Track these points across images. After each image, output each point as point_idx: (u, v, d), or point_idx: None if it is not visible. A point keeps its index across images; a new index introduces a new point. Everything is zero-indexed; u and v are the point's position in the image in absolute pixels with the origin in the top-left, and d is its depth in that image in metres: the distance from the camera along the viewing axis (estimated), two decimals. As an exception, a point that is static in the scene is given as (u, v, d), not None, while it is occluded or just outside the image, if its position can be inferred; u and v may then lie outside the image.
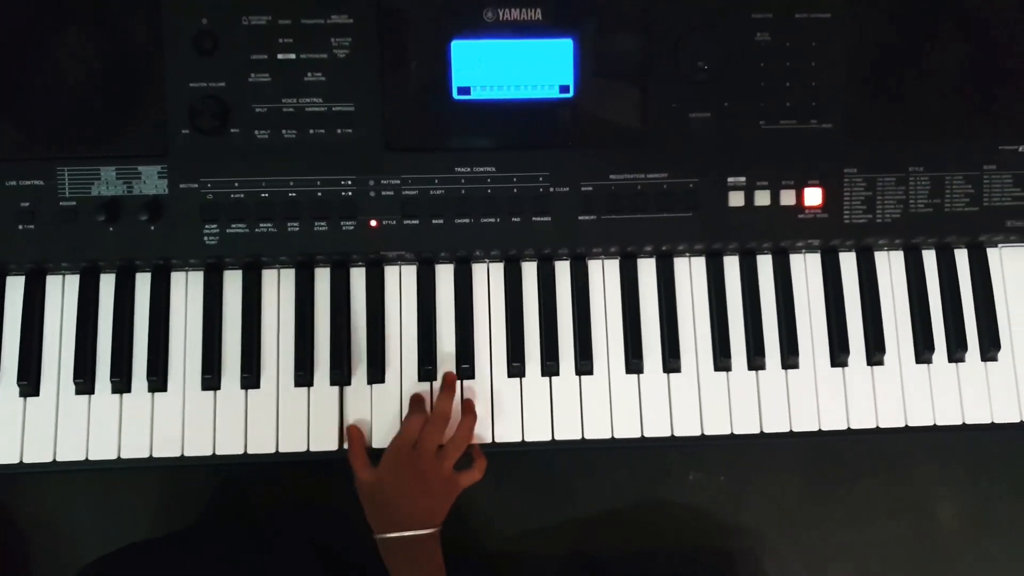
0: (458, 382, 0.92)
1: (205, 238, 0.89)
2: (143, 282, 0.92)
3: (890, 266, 0.97)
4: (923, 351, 0.95)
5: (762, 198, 0.92)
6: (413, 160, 0.90)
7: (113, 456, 0.89)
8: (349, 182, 0.90)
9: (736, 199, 0.92)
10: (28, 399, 0.90)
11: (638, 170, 0.91)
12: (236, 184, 0.89)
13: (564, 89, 0.90)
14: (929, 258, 0.97)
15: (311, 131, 0.89)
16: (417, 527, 0.84)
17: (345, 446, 0.90)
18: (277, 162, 0.89)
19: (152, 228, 0.88)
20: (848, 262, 0.96)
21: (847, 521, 1.05)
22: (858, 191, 0.93)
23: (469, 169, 0.90)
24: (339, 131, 0.89)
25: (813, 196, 0.92)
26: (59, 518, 1.00)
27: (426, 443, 0.87)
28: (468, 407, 0.91)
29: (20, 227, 0.87)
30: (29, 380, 0.89)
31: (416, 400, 0.90)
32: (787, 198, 0.92)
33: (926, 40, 0.92)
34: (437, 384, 0.92)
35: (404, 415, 0.91)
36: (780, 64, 0.91)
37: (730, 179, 0.91)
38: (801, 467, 1.06)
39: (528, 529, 1.01)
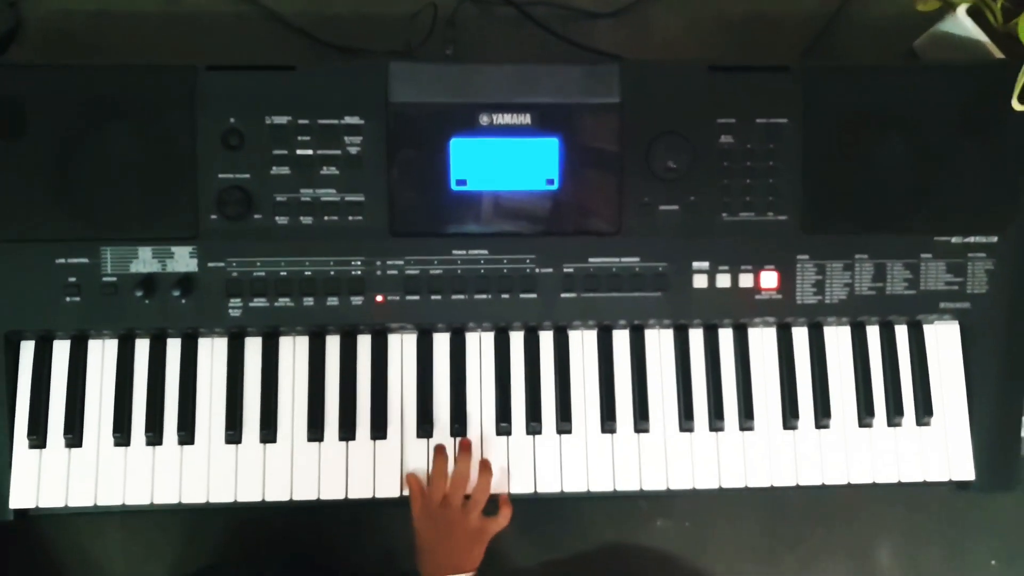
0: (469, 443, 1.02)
1: (230, 310, 0.99)
2: (174, 347, 1.02)
3: (838, 340, 1.07)
4: (865, 416, 1.05)
5: (723, 280, 1.02)
6: (415, 244, 1.00)
7: (147, 501, 0.99)
8: (358, 263, 1.00)
9: (700, 281, 1.02)
10: (72, 450, 1.00)
11: (614, 254, 1.01)
12: (258, 263, 0.99)
13: (550, 182, 1.01)
14: (872, 334, 1.07)
15: (325, 218, 0.99)
16: (453, 572, 0.94)
17: (354, 495, 1.00)
18: (295, 244, 0.99)
19: (183, 301, 0.99)
20: (800, 336, 1.07)
21: (799, 565, 1.14)
22: (809, 275, 1.03)
23: (465, 252, 1.01)
24: (350, 218, 0.99)
25: (769, 279, 1.03)
26: (95, 554, 1.08)
27: (452, 499, 0.98)
28: (485, 465, 1.01)
29: (67, 299, 0.98)
30: (73, 433, 0.99)
31: (439, 463, 1.00)
32: (745, 281, 1.03)
33: (871, 144, 1.02)
34: (434, 441, 1.03)
35: (407, 470, 1.01)
36: (741, 163, 1.01)
37: (695, 264, 1.02)
38: (758, 515, 1.14)
39: (508, 569, 1.11)
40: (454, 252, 1.01)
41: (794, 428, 1.05)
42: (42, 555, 1.08)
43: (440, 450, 1.01)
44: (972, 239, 1.04)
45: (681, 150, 1.01)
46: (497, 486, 1.02)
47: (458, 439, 1.03)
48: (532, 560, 1.12)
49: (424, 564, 0.97)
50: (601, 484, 1.03)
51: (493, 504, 1.01)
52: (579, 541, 1.13)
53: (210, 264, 0.99)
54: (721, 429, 1.04)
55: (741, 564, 1.15)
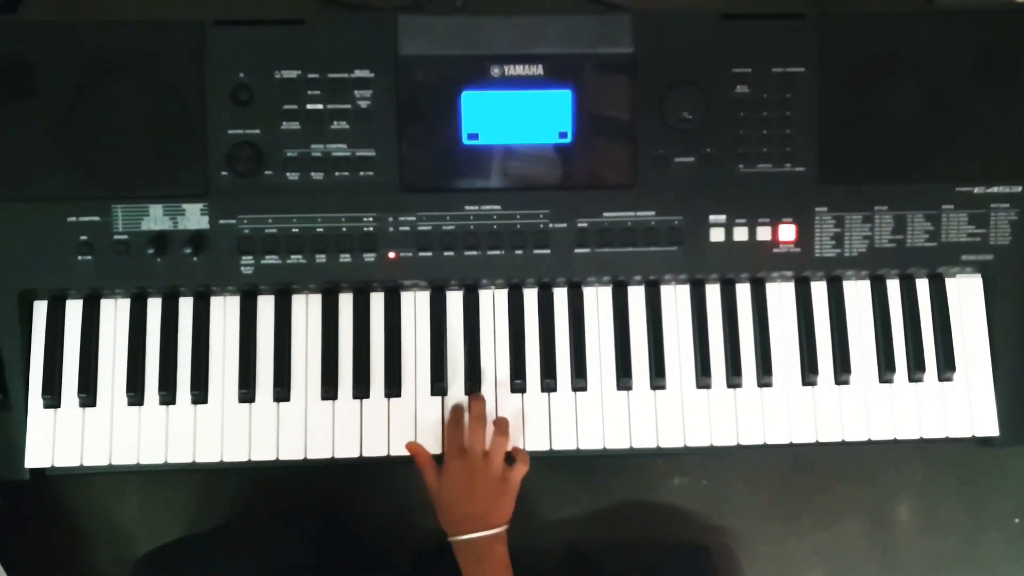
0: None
1: (242, 268, 0.99)
2: (186, 306, 1.01)
3: (857, 294, 1.05)
4: (886, 372, 1.03)
5: (740, 234, 1.01)
6: (427, 199, 0.99)
7: (161, 460, 0.99)
8: (370, 219, 0.99)
9: (717, 235, 1.01)
10: (87, 409, 1.00)
11: (628, 208, 1.00)
12: (269, 220, 0.98)
13: (563, 135, 0.99)
14: (893, 287, 1.06)
15: (336, 173, 0.98)
16: (485, 527, 0.92)
17: (368, 454, 1.00)
18: (306, 201, 0.98)
19: (195, 259, 0.98)
20: (819, 291, 1.05)
21: (815, 521, 1.13)
22: (828, 228, 1.02)
23: (477, 207, 0.99)
24: (361, 173, 0.98)
25: (787, 232, 1.01)
26: (112, 514, 1.09)
27: (474, 447, 0.96)
28: (498, 418, 1.00)
29: (79, 258, 0.98)
30: (88, 392, 0.99)
31: (455, 415, 0.98)
32: (763, 234, 1.01)
33: (889, 92, 1.00)
34: (448, 399, 1.02)
35: (420, 428, 1.00)
36: (757, 114, 1.00)
37: (711, 217, 1.00)
38: (775, 472, 1.14)
39: (529, 525, 1.10)
40: (466, 207, 1.00)
41: (813, 384, 1.04)
42: (60, 514, 1.09)
43: (478, 399, 1.00)
44: (995, 189, 1.02)
45: (695, 101, 0.99)
46: (511, 443, 1.01)
47: (472, 395, 1.02)
48: (546, 519, 1.12)
49: (452, 521, 0.94)
50: (617, 442, 1.02)
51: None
52: (595, 499, 1.13)
53: (221, 221, 0.98)
54: (739, 385, 1.03)
55: (758, 522, 1.14)
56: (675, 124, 0.99)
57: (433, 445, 1.00)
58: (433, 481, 0.96)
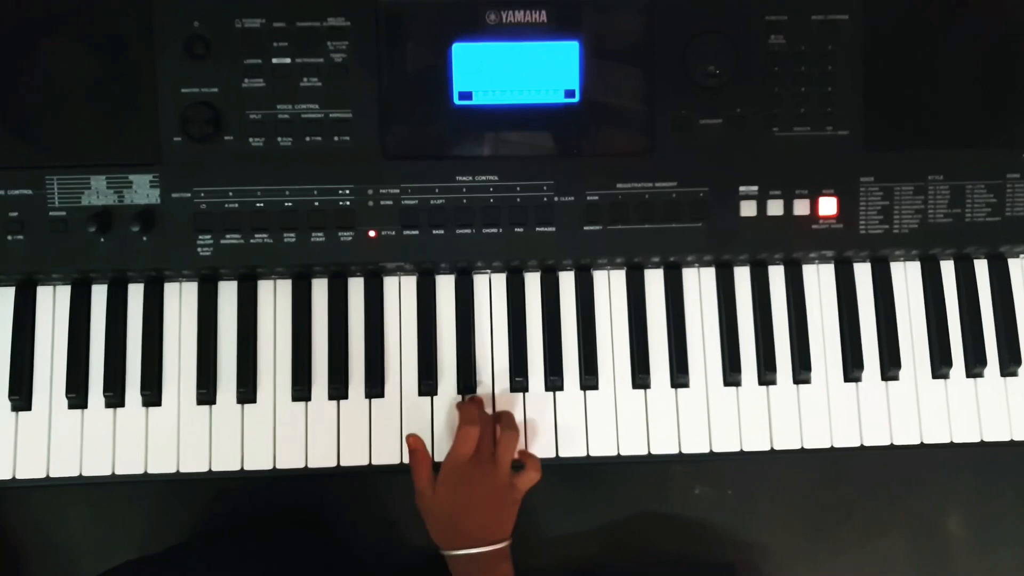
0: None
1: (199, 249, 0.87)
2: (136, 293, 0.90)
3: (906, 277, 0.94)
4: (940, 366, 0.92)
5: (775, 208, 0.89)
6: (413, 168, 0.87)
7: (107, 472, 0.88)
8: (347, 191, 0.87)
9: (748, 209, 0.89)
10: (20, 414, 0.88)
11: (646, 179, 0.88)
12: (230, 193, 0.87)
13: (570, 94, 0.87)
14: (947, 269, 0.94)
15: (307, 138, 0.87)
16: (487, 542, 0.82)
17: (347, 463, 0.89)
18: (272, 170, 0.87)
19: (144, 239, 0.86)
20: (863, 273, 0.94)
21: (855, 535, 1.03)
22: (874, 200, 0.90)
23: (471, 178, 0.88)
24: (336, 138, 0.87)
25: (828, 206, 0.89)
26: (53, 532, 0.99)
27: (483, 452, 0.85)
28: (507, 418, 0.89)
29: (9, 237, 0.85)
30: (20, 394, 0.88)
31: (466, 415, 0.87)
32: (801, 208, 0.89)
33: (947, 44, 0.88)
34: (438, 399, 0.90)
35: (407, 433, 0.88)
36: (794, 69, 0.88)
37: (741, 188, 0.89)
38: (809, 481, 1.04)
39: (532, 543, 1.00)
40: (458, 178, 0.88)
41: (857, 380, 0.92)
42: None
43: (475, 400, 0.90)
44: (1068, 155, 0.90)
45: (723, 53, 0.87)
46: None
47: (467, 397, 0.91)
48: (548, 536, 1.02)
49: (450, 534, 0.83)
50: (633, 447, 0.90)
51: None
52: (605, 512, 1.02)
53: (174, 195, 0.87)
54: (772, 382, 0.92)
55: (790, 536, 1.04)
56: (700, 80, 0.88)
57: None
58: (427, 486, 0.84)
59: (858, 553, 1.04)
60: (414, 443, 0.86)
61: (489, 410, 0.90)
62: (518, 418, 0.90)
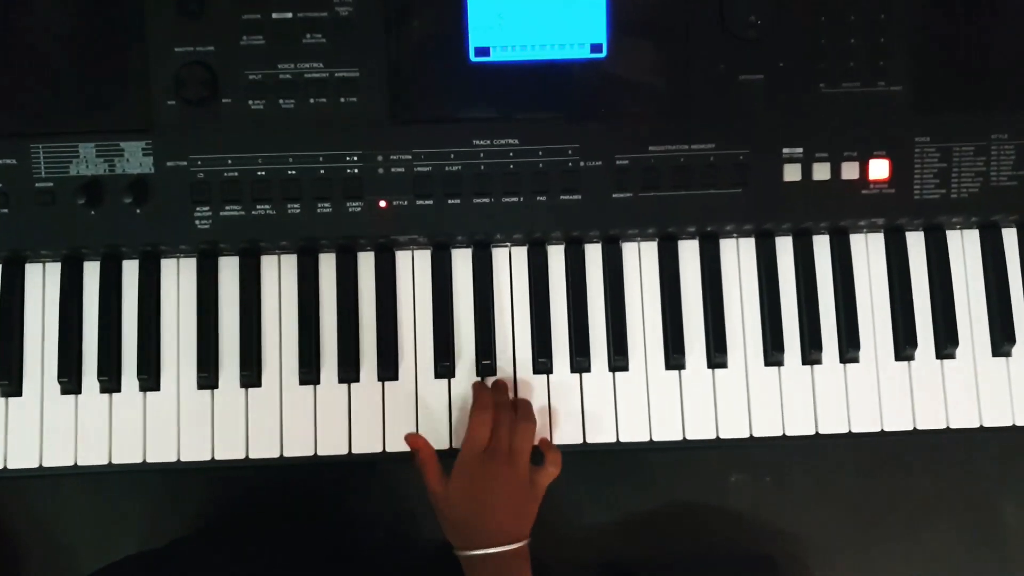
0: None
1: (196, 222, 0.82)
2: (131, 270, 0.85)
3: (963, 247, 0.87)
4: (1001, 343, 0.85)
5: (821, 172, 0.83)
6: (426, 132, 0.82)
7: (104, 462, 0.83)
8: (355, 158, 0.82)
9: (792, 173, 0.83)
10: (10, 400, 0.83)
11: (680, 141, 0.82)
12: (229, 161, 0.81)
13: (596, 48, 0.81)
14: (1009, 237, 0.87)
15: (311, 100, 0.81)
16: (504, 541, 0.77)
17: (359, 450, 0.84)
18: (274, 136, 0.81)
19: (138, 211, 0.81)
20: (916, 243, 0.87)
21: (903, 525, 0.97)
22: (931, 163, 0.83)
23: (489, 142, 0.82)
24: (342, 100, 0.81)
25: (879, 169, 0.83)
26: (52, 525, 0.95)
27: (501, 443, 0.79)
28: (525, 406, 0.84)
29: (-8, 212, 0.81)
30: (10, 379, 0.83)
31: (479, 399, 0.82)
32: (849, 171, 0.83)
33: (1015, -13, 0.81)
34: (455, 382, 0.85)
35: (423, 418, 0.83)
36: (842, 18, 0.82)
37: (785, 150, 0.83)
38: (853, 467, 0.98)
39: (556, 537, 0.94)
40: (475, 143, 0.82)
41: (910, 359, 0.86)
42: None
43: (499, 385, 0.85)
44: None
45: (765, 2, 0.81)
46: (537, 436, 0.84)
47: (491, 383, 0.85)
48: (575, 529, 0.97)
49: (465, 532, 0.78)
50: (667, 433, 0.85)
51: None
52: (634, 503, 0.97)
53: (169, 163, 0.81)
54: (818, 362, 0.86)
55: (833, 527, 0.98)
56: (739, 32, 0.81)
57: (437, 439, 0.84)
58: (438, 485, 0.79)
59: (908, 545, 0.97)
60: (416, 443, 0.81)
61: (511, 395, 0.84)
62: (541, 402, 0.85)
